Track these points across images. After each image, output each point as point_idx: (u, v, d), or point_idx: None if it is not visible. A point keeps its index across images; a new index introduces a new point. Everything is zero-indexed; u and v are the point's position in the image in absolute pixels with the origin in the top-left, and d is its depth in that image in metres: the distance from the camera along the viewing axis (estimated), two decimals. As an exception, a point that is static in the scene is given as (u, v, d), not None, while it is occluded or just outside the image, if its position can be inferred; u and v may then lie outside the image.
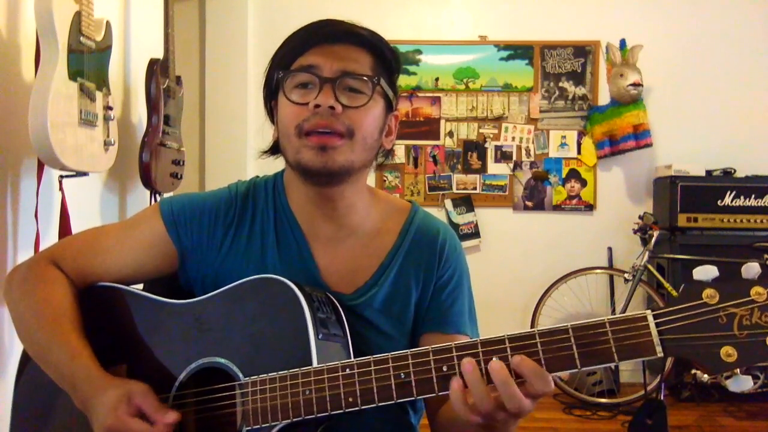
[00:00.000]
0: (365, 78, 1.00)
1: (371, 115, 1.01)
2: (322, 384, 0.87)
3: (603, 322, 0.77)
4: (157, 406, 0.91)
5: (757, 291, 0.73)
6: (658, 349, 0.75)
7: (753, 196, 3.72)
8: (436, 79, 4.13)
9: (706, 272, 0.75)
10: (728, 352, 0.73)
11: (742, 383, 0.73)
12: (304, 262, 1.07)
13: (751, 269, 0.74)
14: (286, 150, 1.03)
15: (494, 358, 0.79)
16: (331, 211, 1.07)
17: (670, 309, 0.75)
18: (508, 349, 0.80)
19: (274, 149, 1.10)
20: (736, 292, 0.74)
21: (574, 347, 0.78)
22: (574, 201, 4.13)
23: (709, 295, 0.74)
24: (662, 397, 2.92)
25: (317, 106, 0.97)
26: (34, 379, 1.06)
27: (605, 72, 4.06)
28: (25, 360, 1.09)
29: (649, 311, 0.76)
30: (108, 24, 1.94)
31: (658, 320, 0.76)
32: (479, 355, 0.81)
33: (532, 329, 0.80)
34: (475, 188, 4.14)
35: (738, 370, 0.74)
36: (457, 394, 0.80)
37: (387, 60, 1.05)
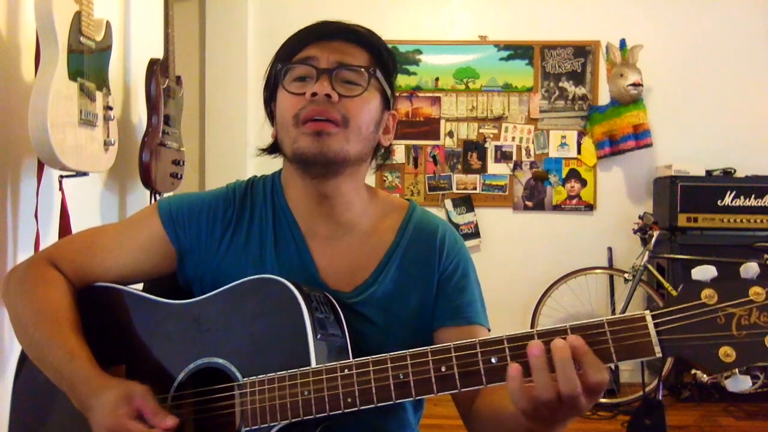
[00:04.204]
0: (361, 69, 1.02)
1: (366, 105, 1.03)
2: (320, 384, 0.87)
3: (602, 323, 0.77)
4: (156, 409, 0.90)
5: (755, 291, 0.73)
6: (657, 349, 0.75)
7: (753, 196, 3.71)
8: (436, 79, 4.12)
9: (704, 272, 0.75)
10: (727, 353, 0.73)
11: (740, 383, 0.73)
12: (302, 260, 1.08)
13: (750, 269, 0.73)
14: (285, 143, 1.04)
15: (557, 338, 0.77)
16: (328, 209, 1.07)
17: (669, 309, 0.75)
18: (507, 350, 0.80)
19: (273, 148, 1.11)
20: (735, 292, 0.74)
21: (573, 347, 0.77)
22: (574, 201, 4.13)
23: (708, 295, 0.74)
24: (660, 397, 2.91)
25: (314, 94, 0.99)
26: (32, 380, 1.05)
27: (605, 72, 4.06)
28: (23, 360, 1.08)
29: (647, 312, 0.76)
30: (108, 24, 1.94)
31: (656, 321, 0.76)
32: (477, 356, 0.81)
33: (531, 329, 0.80)
34: (475, 188, 4.14)
35: (737, 370, 0.74)
36: (516, 381, 0.76)
37: (384, 59, 1.07)
